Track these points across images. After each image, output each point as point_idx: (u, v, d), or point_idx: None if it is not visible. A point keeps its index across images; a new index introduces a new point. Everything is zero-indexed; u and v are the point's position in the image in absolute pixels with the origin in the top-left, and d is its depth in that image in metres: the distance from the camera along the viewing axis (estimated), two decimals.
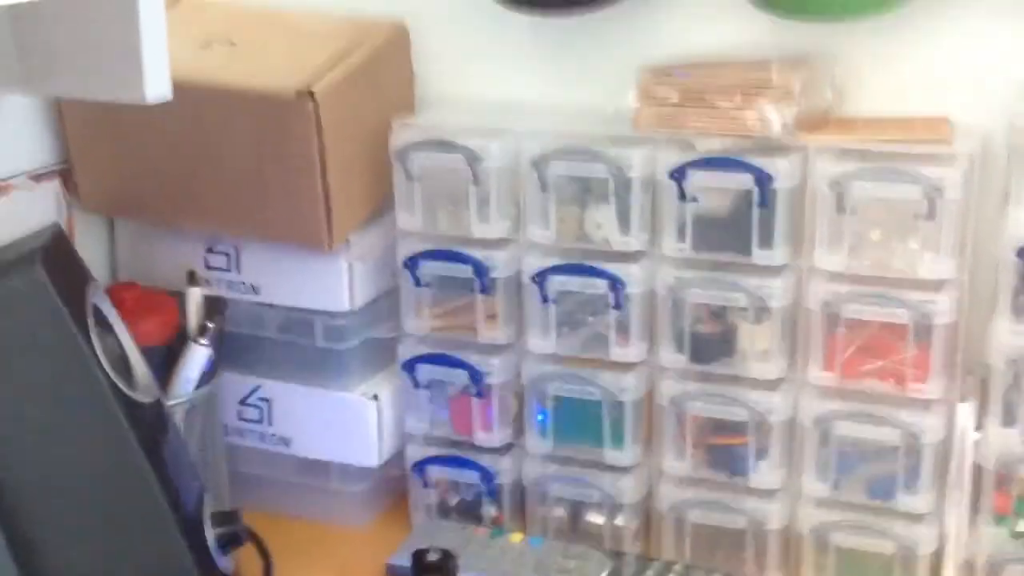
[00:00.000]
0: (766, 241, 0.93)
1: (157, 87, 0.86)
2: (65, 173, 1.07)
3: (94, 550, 0.83)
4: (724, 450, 1.00)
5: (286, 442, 1.10)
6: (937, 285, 0.91)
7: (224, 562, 0.90)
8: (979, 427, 0.92)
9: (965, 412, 0.92)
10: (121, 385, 0.85)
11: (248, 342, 1.09)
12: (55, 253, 0.86)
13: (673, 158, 0.94)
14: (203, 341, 1.02)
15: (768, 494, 0.99)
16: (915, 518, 0.95)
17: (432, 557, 0.93)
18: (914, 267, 0.90)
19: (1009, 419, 0.90)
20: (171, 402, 0.98)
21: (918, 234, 0.90)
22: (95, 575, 0.83)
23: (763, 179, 0.91)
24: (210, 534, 0.89)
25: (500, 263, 1.02)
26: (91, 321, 0.85)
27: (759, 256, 0.94)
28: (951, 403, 0.93)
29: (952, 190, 0.87)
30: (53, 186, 1.07)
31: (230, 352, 1.06)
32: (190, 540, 0.86)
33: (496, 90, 1.10)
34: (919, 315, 0.90)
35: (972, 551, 0.94)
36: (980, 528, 0.93)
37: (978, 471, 0.92)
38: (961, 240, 0.90)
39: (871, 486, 0.96)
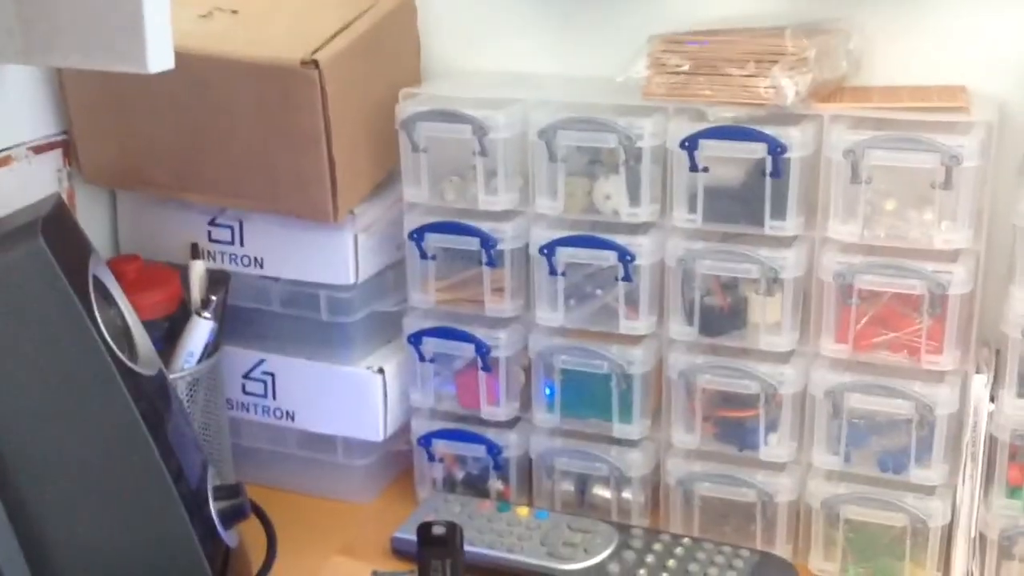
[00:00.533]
0: (778, 212, 0.92)
1: (160, 57, 0.84)
2: (67, 145, 1.06)
3: (96, 523, 0.82)
4: (734, 423, 0.99)
5: (290, 416, 1.09)
6: (953, 255, 0.90)
7: (227, 536, 0.90)
8: (993, 399, 0.91)
9: (979, 383, 0.91)
10: (123, 358, 0.84)
11: (252, 315, 1.07)
12: (56, 224, 0.84)
13: (684, 128, 0.93)
14: (206, 314, 1.01)
15: (778, 467, 0.99)
16: (927, 491, 0.94)
17: (438, 531, 0.92)
18: (930, 237, 0.89)
19: None
20: (173, 375, 0.97)
21: (934, 204, 0.88)
22: (97, 548, 0.82)
23: (776, 149, 0.90)
24: (213, 508, 0.88)
25: (507, 235, 1.01)
26: (93, 293, 0.84)
27: (771, 227, 0.93)
28: (965, 374, 0.93)
29: (969, 159, 0.86)
30: (54, 157, 1.05)
31: (234, 326, 1.05)
32: (193, 514, 0.85)
33: (504, 61, 1.09)
34: (934, 285, 0.89)
35: (985, 524, 0.93)
36: (993, 501, 0.92)
37: (992, 443, 0.91)
38: (978, 209, 0.89)
39: (882, 459, 0.95)
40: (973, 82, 0.94)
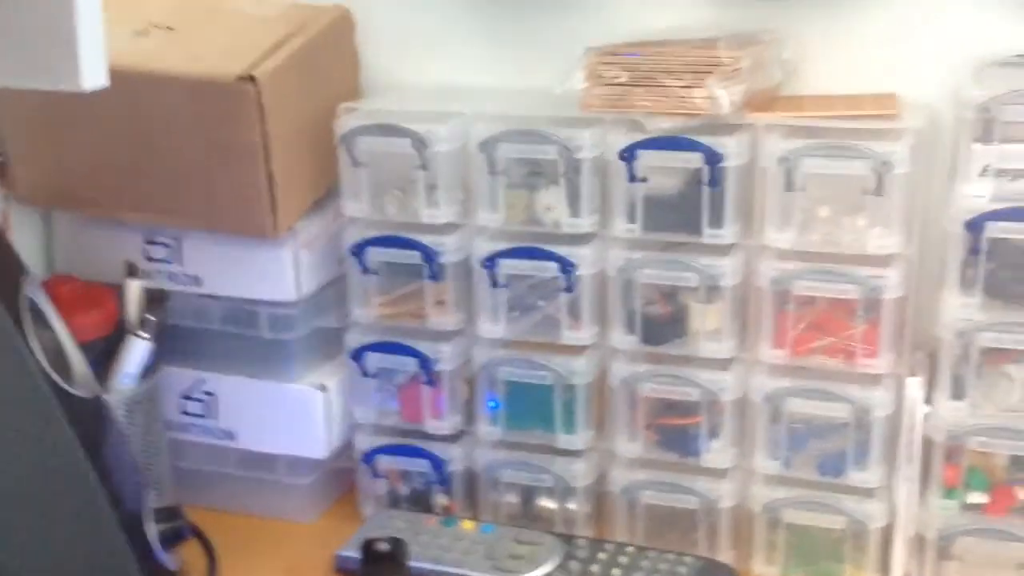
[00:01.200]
0: (716, 220, 0.94)
1: (93, 74, 0.83)
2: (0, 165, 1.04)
3: (32, 548, 0.80)
4: (676, 431, 1.00)
5: (231, 436, 1.08)
6: (886, 260, 0.91)
7: (167, 559, 0.88)
8: (928, 401, 0.93)
9: (914, 386, 0.93)
10: (58, 380, 0.82)
11: (191, 334, 1.06)
12: None
13: (622, 139, 0.94)
14: (143, 334, 0.99)
15: (720, 473, 1.00)
16: (865, 493, 0.96)
17: (382, 547, 0.92)
18: (863, 243, 0.91)
19: (958, 392, 0.91)
20: (110, 397, 0.96)
21: (866, 210, 0.90)
22: (34, 573, 0.80)
23: (712, 158, 0.92)
24: (152, 530, 0.87)
25: (449, 248, 1.01)
26: (26, 315, 0.82)
27: (709, 235, 0.94)
28: (900, 377, 0.94)
29: (900, 165, 0.88)
30: None
31: (172, 345, 1.04)
32: (132, 537, 0.84)
33: (443, 75, 1.09)
34: (868, 290, 0.91)
35: (923, 525, 0.95)
36: (930, 501, 0.94)
37: (928, 445, 0.93)
38: (909, 215, 0.91)
39: (822, 462, 0.97)
40: (904, 89, 0.96)
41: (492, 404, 1.04)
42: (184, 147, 0.98)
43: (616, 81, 0.92)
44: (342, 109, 1.01)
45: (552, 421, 1.02)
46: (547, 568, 0.97)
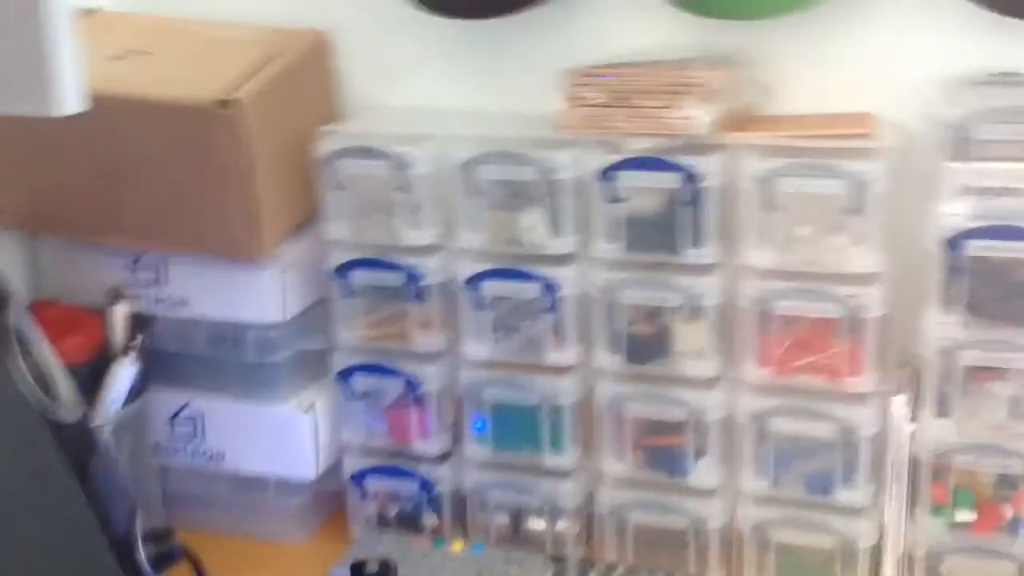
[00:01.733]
0: (696, 240, 0.93)
1: (70, 100, 0.83)
2: None
3: (21, 572, 0.80)
4: (663, 451, 1.00)
5: (219, 458, 1.08)
6: (866, 279, 0.91)
7: None
8: (914, 419, 0.92)
9: (900, 404, 0.92)
10: (45, 404, 0.83)
11: (177, 358, 1.07)
12: None
13: (601, 159, 0.94)
14: (129, 358, 1.00)
15: (708, 493, 0.99)
16: (854, 512, 0.95)
17: (371, 568, 0.92)
18: (843, 261, 0.90)
19: (943, 410, 0.90)
20: (97, 421, 0.96)
21: (846, 228, 0.90)
22: None
23: (690, 178, 0.91)
24: (142, 553, 0.87)
25: (432, 270, 1.01)
26: (11, 339, 0.82)
27: (690, 255, 0.94)
28: (885, 396, 0.93)
29: (877, 183, 0.87)
30: None
31: (158, 368, 1.04)
32: (122, 560, 0.84)
33: (421, 97, 1.09)
34: (850, 309, 0.90)
35: (911, 543, 0.94)
36: (918, 520, 0.93)
37: (914, 463, 0.92)
38: (888, 233, 0.90)
39: (809, 481, 0.96)
40: (879, 108, 0.95)
41: (479, 425, 1.04)
42: (165, 171, 0.99)
43: (594, 102, 0.92)
44: (321, 132, 1.01)
45: (539, 441, 1.02)
46: None
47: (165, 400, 1.07)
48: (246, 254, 1.00)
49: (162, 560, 0.89)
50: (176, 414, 1.08)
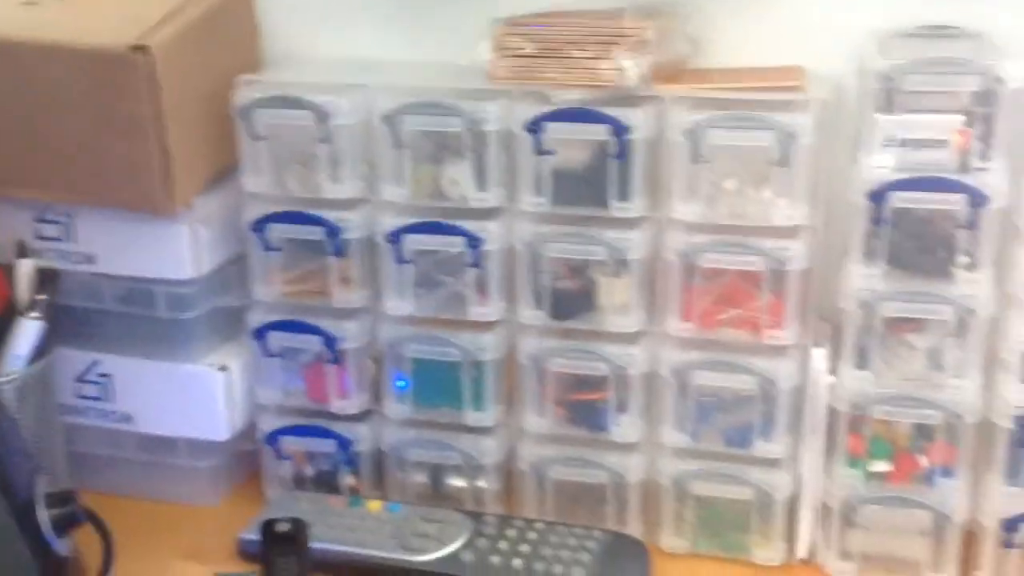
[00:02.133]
0: (624, 193, 0.93)
1: None
2: None
3: None
4: (585, 406, 1.00)
5: (129, 419, 1.05)
6: (791, 232, 0.92)
7: (60, 545, 0.85)
8: (833, 371, 0.94)
9: (819, 357, 0.94)
10: None
11: (84, 315, 1.03)
12: None
13: (529, 111, 0.93)
14: (34, 315, 0.96)
15: (628, 448, 0.99)
16: (772, 464, 0.96)
17: (282, 528, 0.90)
18: (768, 215, 0.91)
19: (862, 362, 0.92)
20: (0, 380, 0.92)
21: (772, 181, 0.91)
22: None
23: (619, 130, 0.91)
24: (44, 516, 0.84)
25: (353, 224, 0.99)
26: None
27: (617, 209, 0.93)
28: (806, 349, 0.95)
29: (804, 136, 0.88)
30: None
31: (65, 326, 1.00)
32: (22, 523, 0.81)
33: (346, 47, 1.07)
34: (773, 262, 0.91)
35: (828, 494, 0.96)
36: (835, 471, 0.95)
37: (832, 415, 0.94)
38: (814, 186, 0.91)
39: (729, 434, 0.97)
40: (809, 62, 0.96)
41: (400, 383, 1.03)
42: (74, 121, 0.95)
43: (522, 52, 0.91)
44: (240, 81, 0.98)
45: (460, 398, 1.01)
46: (455, 546, 0.96)
47: (72, 359, 1.03)
48: (158, 207, 0.96)
49: (65, 523, 0.86)
50: (84, 373, 1.04)
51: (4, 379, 0.94)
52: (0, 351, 0.95)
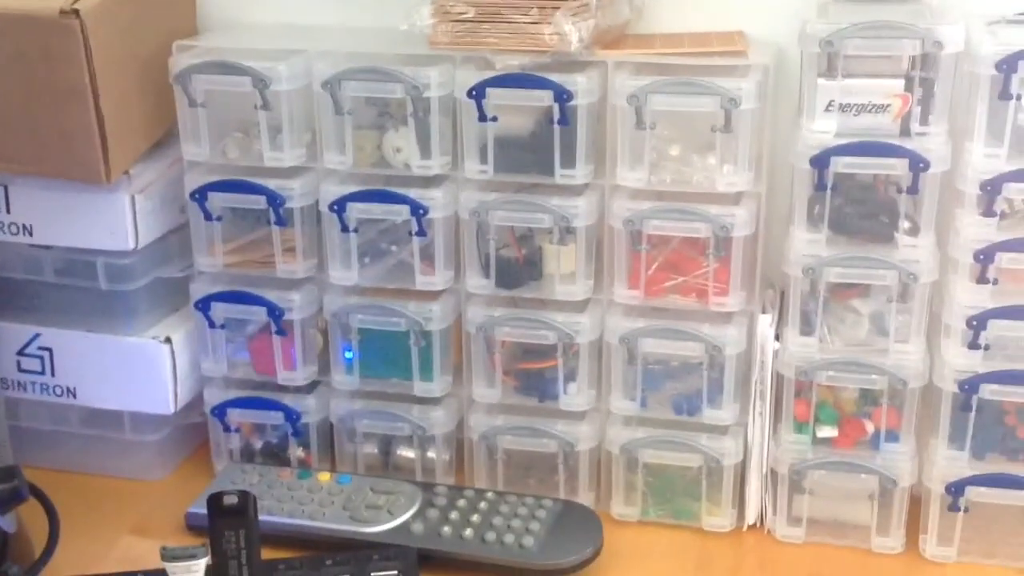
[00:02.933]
0: (568, 160, 0.92)
1: None
2: None
3: None
4: (534, 375, 0.99)
5: (71, 393, 1.03)
6: (735, 198, 0.91)
7: (4, 521, 0.84)
8: (778, 337, 0.93)
9: (765, 323, 0.94)
10: None
11: (23, 287, 1.01)
12: None
13: (471, 76, 0.91)
14: None
15: (578, 416, 0.99)
16: (720, 431, 0.97)
17: (229, 500, 0.89)
18: (712, 181, 0.90)
19: (807, 328, 0.92)
20: None
21: (716, 148, 0.90)
22: None
23: (562, 96, 0.90)
24: None
25: (296, 193, 0.97)
26: None
27: (562, 175, 0.93)
28: (752, 315, 0.95)
29: (747, 101, 0.87)
30: None
31: (3, 299, 0.99)
32: None
33: (285, 13, 1.05)
34: (718, 228, 0.91)
35: (775, 459, 0.96)
36: (782, 437, 0.95)
37: (779, 380, 0.94)
38: (758, 152, 0.91)
39: (676, 402, 0.97)
40: (751, 27, 0.95)
41: (348, 353, 1.02)
42: (5, 87, 0.92)
43: (463, 17, 0.90)
44: (177, 47, 0.97)
45: (408, 369, 1.00)
46: (405, 517, 0.96)
47: (12, 332, 1.01)
48: (94, 176, 0.94)
49: (7, 499, 0.86)
50: (24, 347, 1.02)
51: None
52: None
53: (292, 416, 1.04)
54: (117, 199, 0.97)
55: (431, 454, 1.03)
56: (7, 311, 1.00)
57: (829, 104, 0.86)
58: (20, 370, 1.03)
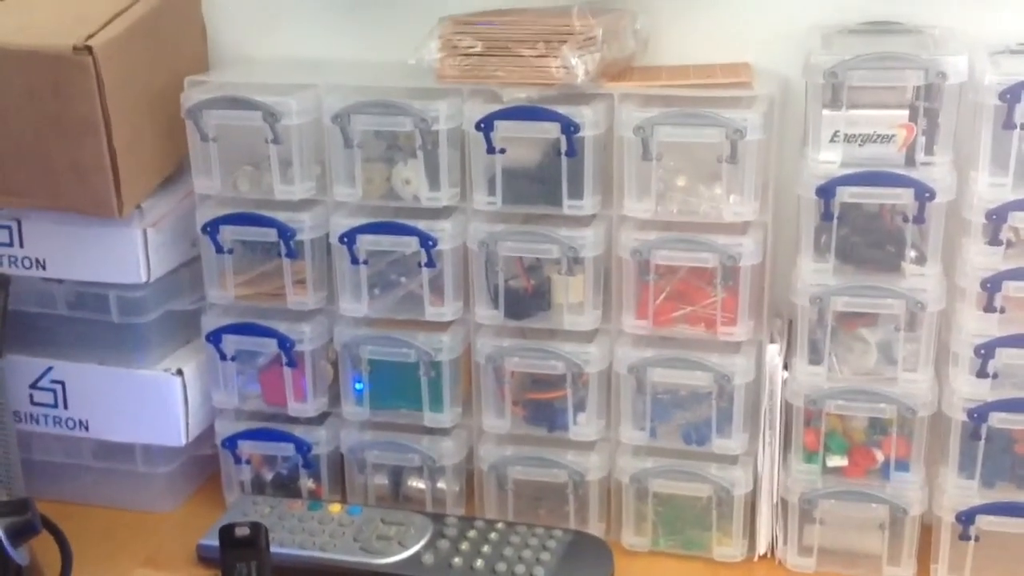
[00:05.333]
0: (576, 191, 0.93)
1: None
2: None
3: None
4: (543, 405, 0.99)
5: (84, 425, 1.04)
6: (742, 228, 0.92)
7: (17, 554, 0.85)
8: (787, 367, 0.94)
9: (773, 352, 0.94)
10: None
11: (37, 321, 1.02)
12: None
13: (479, 109, 0.92)
14: None
15: (587, 446, 0.99)
16: (729, 460, 0.97)
17: (241, 532, 0.89)
18: (719, 211, 0.91)
19: (815, 357, 0.92)
20: None
21: (722, 178, 0.90)
22: None
23: (569, 128, 0.91)
24: None
25: (306, 225, 0.98)
26: None
27: (569, 207, 0.93)
28: (760, 344, 0.95)
29: (753, 132, 0.88)
30: None
31: (17, 333, 0.99)
32: None
33: (295, 47, 1.06)
34: (725, 258, 0.91)
35: (785, 489, 0.96)
36: (792, 466, 0.95)
37: (788, 410, 0.94)
38: (764, 182, 0.91)
39: (686, 431, 0.97)
40: (757, 58, 0.96)
41: (358, 385, 1.02)
42: (18, 123, 0.93)
43: (471, 51, 0.91)
44: (188, 82, 0.98)
45: (418, 399, 1.01)
46: (415, 548, 0.96)
47: (25, 366, 1.02)
48: (106, 210, 0.95)
49: (20, 532, 0.86)
50: (37, 380, 1.03)
51: None
52: None
53: (303, 447, 1.04)
54: (129, 233, 0.98)
55: (441, 485, 1.03)
56: (20, 344, 1.00)
57: (834, 135, 0.86)
58: (33, 403, 1.04)
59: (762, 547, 0.97)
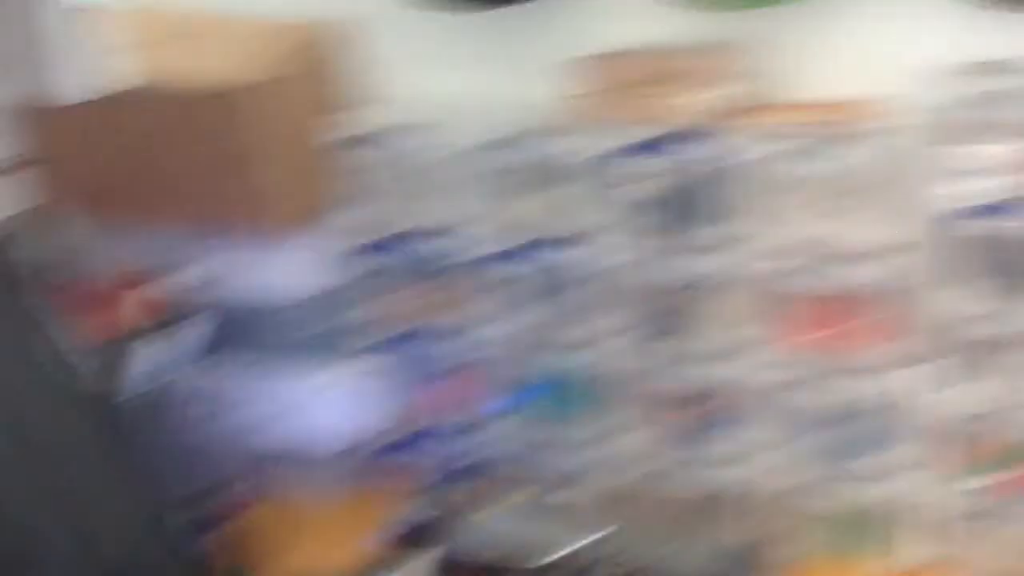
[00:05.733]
0: (707, 220, 0.93)
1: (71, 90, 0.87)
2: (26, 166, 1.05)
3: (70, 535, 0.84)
4: (693, 422, 1.00)
5: (261, 431, 1.10)
6: (880, 253, 0.90)
7: (199, 545, 0.94)
8: (939, 387, 0.91)
9: (919, 374, 0.91)
10: (90, 380, 0.87)
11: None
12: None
13: (611, 144, 0.93)
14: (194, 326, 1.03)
15: (736, 462, 0.99)
16: (883, 477, 0.95)
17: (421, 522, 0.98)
18: (851, 237, 0.89)
19: (962, 378, 0.89)
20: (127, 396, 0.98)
21: (854, 207, 0.89)
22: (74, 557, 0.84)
23: (693, 162, 0.91)
24: (185, 517, 0.92)
25: (448, 250, 1.02)
26: (46, 316, 0.86)
27: (701, 235, 0.94)
28: (905, 366, 0.92)
29: (874, 162, 0.86)
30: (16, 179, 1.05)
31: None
32: (164, 523, 0.90)
33: (429, 88, 1.09)
34: (866, 282, 0.89)
35: (942, 505, 0.94)
36: (948, 482, 0.93)
37: (942, 427, 0.91)
38: (896, 212, 0.89)
39: (837, 448, 0.96)
40: (874, 95, 0.92)
41: (521, 394, 1.06)
42: (192, 156, 1.01)
43: (598, 90, 0.92)
44: (339, 119, 1.03)
45: (571, 411, 1.04)
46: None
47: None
48: (271, 234, 1.02)
49: (207, 524, 0.94)
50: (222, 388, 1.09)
51: (166, 380, 1.00)
52: (165, 355, 1.01)
53: (460, 453, 1.08)
54: (292, 255, 1.05)
55: (587, 494, 1.05)
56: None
57: (957, 168, 0.84)
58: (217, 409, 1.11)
59: (918, 561, 0.95)
